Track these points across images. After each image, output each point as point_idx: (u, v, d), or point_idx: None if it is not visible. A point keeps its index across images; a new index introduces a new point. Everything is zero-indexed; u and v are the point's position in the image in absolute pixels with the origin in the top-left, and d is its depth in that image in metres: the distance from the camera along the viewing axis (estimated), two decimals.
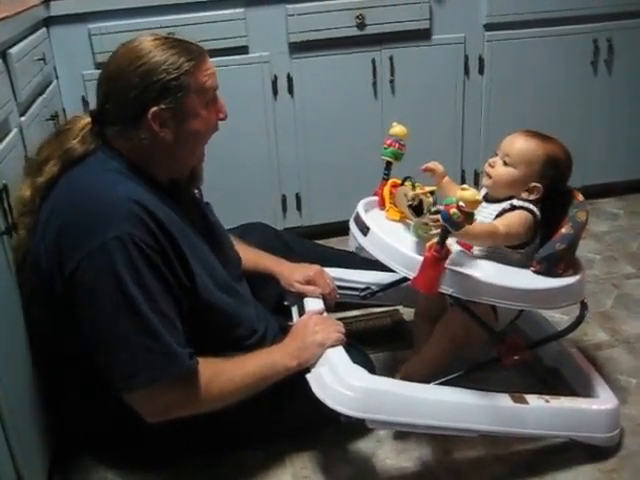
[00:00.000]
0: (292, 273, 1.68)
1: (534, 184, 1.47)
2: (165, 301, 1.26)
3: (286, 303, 1.70)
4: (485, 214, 1.48)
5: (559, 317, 1.88)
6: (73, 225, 1.24)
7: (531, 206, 1.46)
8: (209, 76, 1.35)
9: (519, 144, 1.48)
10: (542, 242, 1.48)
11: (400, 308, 2.00)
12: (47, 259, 1.27)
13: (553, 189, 1.50)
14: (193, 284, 1.32)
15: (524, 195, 1.48)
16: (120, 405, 1.29)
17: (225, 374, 1.31)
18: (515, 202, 1.47)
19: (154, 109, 1.28)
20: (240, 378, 1.33)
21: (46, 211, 1.31)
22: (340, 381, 1.32)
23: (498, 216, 1.47)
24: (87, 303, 1.24)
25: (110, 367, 1.25)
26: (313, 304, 1.62)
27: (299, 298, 1.66)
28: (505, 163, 1.48)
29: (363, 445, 1.52)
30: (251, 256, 1.68)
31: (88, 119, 1.37)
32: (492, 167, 1.50)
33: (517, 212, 1.46)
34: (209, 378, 1.30)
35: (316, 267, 1.71)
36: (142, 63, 1.28)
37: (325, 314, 1.58)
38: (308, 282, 1.68)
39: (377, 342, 1.87)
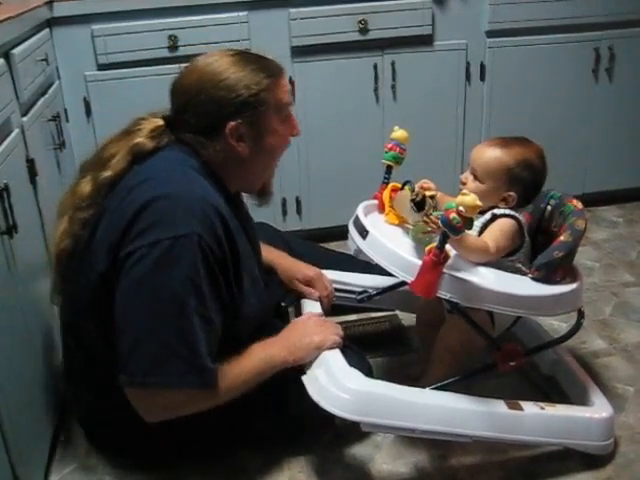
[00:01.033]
0: (293, 269, 1.69)
1: (507, 193, 1.47)
2: (214, 309, 1.27)
3: (283, 304, 1.70)
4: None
5: (557, 324, 1.89)
6: (148, 212, 1.23)
7: (512, 212, 1.47)
8: (286, 92, 1.40)
9: (483, 157, 1.48)
10: (539, 249, 1.48)
11: (399, 313, 2.01)
12: (104, 239, 1.27)
13: (533, 189, 1.50)
14: (240, 296, 1.34)
15: (501, 205, 1.48)
16: (123, 404, 1.29)
17: (228, 377, 1.31)
18: (496, 211, 1.48)
19: (232, 123, 1.32)
20: (241, 378, 1.33)
21: (115, 201, 1.30)
22: (335, 383, 1.33)
23: (483, 228, 1.47)
24: (133, 287, 1.23)
25: (130, 356, 1.23)
26: (311, 306, 1.62)
27: (296, 298, 1.66)
28: (475, 177, 1.49)
29: (360, 450, 1.52)
30: None
31: (158, 121, 1.38)
32: (464, 183, 1.50)
33: (500, 222, 1.46)
34: (220, 389, 1.29)
35: (316, 269, 1.72)
36: (223, 79, 1.32)
37: (323, 317, 1.58)
38: (307, 283, 1.68)
39: (376, 347, 1.87)
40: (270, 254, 1.72)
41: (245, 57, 1.37)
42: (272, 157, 1.44)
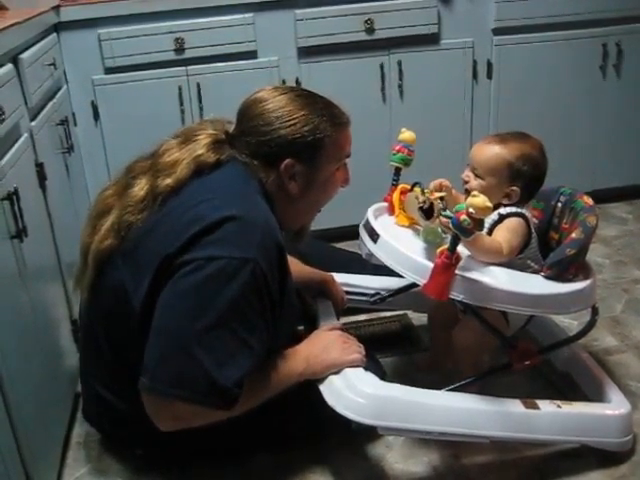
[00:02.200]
0: (306, 276, 1.68)
1: (510, 189, 1.47)
2: (256, 337, 1.26)
3: (300, 328, 1.68)
4: None
5: (568, 322, 1.88)
6: (214, 230, 1.24)
7: (518, 210, 1.47)
8: (347, 144, 1.43)
9: (482, 154, 1.48)
10: (551, 246, 1.48)
11: (409, 313, 2.00)
12: (159, 250, 1.26)
13: (535, 183, 1.49)
14: (276, 321, 1.34)
15: (505, 201, 1.48)
16: (139, 405, 1.29)
17: (248, 393, 1.29)
18: (502, 211, 1.47)
19: (289, 161, 1.35)
20: (260, 394, 1.33)
21: (177, 212, 1.30)
22: (351, 388, 1.32)
23: (491, 229, 1.46)
24: (179, 295, 1.22)
25: (158, 362, 1.23)
26: (325, 310, 1.61)
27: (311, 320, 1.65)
28: (476, 175, 1.48)
29: (372, 450, 1.52)
30: None
31: (218, 133, 1.40)
32: (467, 182, 1.50)
33: (509, 222, 1.45)
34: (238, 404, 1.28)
35: (328, 277, 1.71)
36: (294, 117, 1.35)
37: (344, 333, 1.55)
38: (320, 289, 1.68)
39: (386, 346, 1.86)
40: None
41: (317, 101, 1.41)
42: (318, 201, 1.46)
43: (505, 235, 1.43)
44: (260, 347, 1.27)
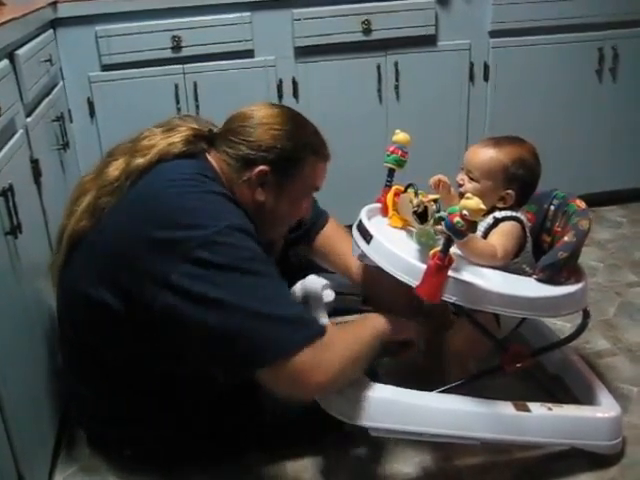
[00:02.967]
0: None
1: (505, 192, 1.48)
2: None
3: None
4: None
5: (561, 324, 1.88)
6: (177, 223, 1.22)
7: (514, 214, 1.47)
8: (321, 178, 1.46)
9: (477, 158, 1.49)
10: (543, 249, 1.48)
11: None
12: (131, 232, 1.25)
13: (529, 187, 1.50)
14: None
15: (500, 205, 1.48)
16: (123, 404, 1.29)
17: (338, 334, 1.29)
18: (497, 215, 1.47)
19: (263, 167, 1.36)
20: (358, 346, 1.32)
21: (138, 195, 1.30)
22: (343, 390, 1.32)
23: (486, 233, 1.46)
24: (214, 284, 1.19)
25: (249, 347, 1.19)
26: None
27: None
28: (470, 179, 1.49)
29: (363, 450, 1.52)
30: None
31: (197, 127, 1.41)
32: (461, 185, 1.50)
33: (504, 226, 1.46)
34: (335, 342, 1.27)
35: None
36: (281, 129, 1.38)
37: None
38: None
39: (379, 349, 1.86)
40: None
41: (307, 125, 1.44)
42: (277, 220, 1.45)
43: (500, 239, 1.43)
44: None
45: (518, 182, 1.48)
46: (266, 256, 1.26)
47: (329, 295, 1.71)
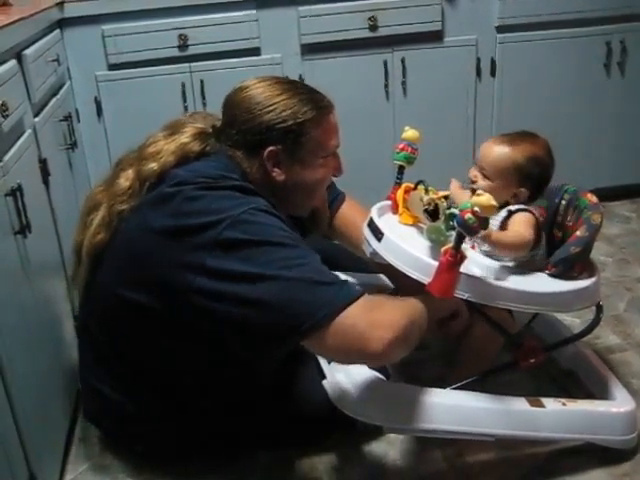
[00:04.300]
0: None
1: (518, 190, 1.46)
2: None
3: None
4: None
5: (570, 320, 1.87)
6: (204, 209, 1.23)
7: (527, 207, 1.46)
8: (332, 130, 1.42)
9: (491, 155, 1.47)
10: (555, 244, 1.47)
11: None
12: (163, 248, 1.24)
13: (543, 184, 1.49)
14: None
15: (512, 202, 1.47)
16: (140, 400, 1.28)
17: (394, 303, 1.27)
18: (511, 207, 1.46)
19: (271, 148, 1.34)
20: (409, 310, 1.28)
21: (157, 198, 1.29)
22: (357, 388, 1.32)
23: (501, 226, 1.45)
24: (249, 260, 1.19)
25: (294, 311, 1.18)
26: None
27: None
28: (484, 175, 1.48)
29: (373, 446, 1.51)
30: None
31: (202, 126, 1.40)
32: (474, 182, 1.49)
33: (520, 216, 1.44)
34: (384, 302, 1.26)
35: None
36: (272, 103, 1.34)
37: None
38: None
39: None
40: None
41: (297, 86, 1.40)
42: (309, 190, 1.44)
43: (520, 227, 1.42)
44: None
45: (531, 180, 1.46)
46: (294, 233, 1.27)
47: None
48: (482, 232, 1.27)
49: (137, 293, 1.29)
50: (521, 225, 1.43)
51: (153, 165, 1.33)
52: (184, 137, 1.37)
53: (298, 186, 1.40)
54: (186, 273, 1.21)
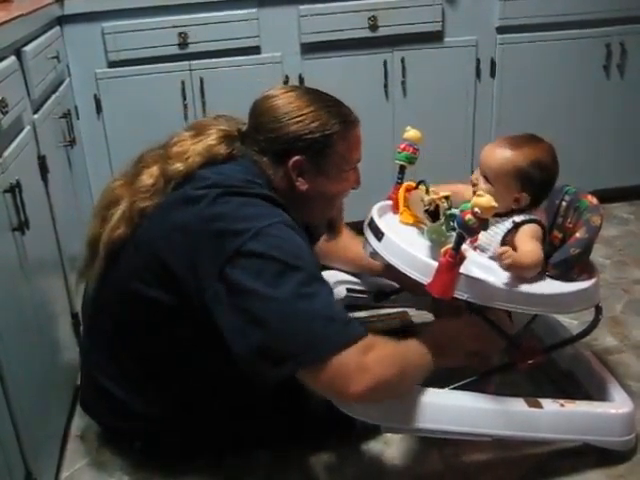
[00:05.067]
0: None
1: (520, 194, 1.45)
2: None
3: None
4: (489, 234, 1.45)
5: (569, 321, 1.87)
6: (231, 214, 1.24)
7: (533, 217, 1.45)
8: (357, 144, 1.44)
9: (493, 159, 1.45)
10: (555, 245, 1.47)
11: (409, 310, 2.00)
12: (187, 248, 1.25)
13: (546, 188, 1.49)
14: None
15: (513, 206, 1.46)
16: (137, 400, 1.28)
17: (391, 349, 1.26)
18: (516, 219, 1.44)
19: (297, 157, 1.35)
20: (392, 352, 1.27)
21: (185, 197, 1.29)
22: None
23: (505, 237, 1.44)
24: (263, 277, 1.19)
25: (288, 344, 1.19)
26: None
27: None
28: (486, 179, 1.46)
29: (370, 446, 1.52)
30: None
31: (227, 128, 1.41)
32: (475, 185, 1.48)
33: (529, 231, 1.43)
34: (381, 347, 1.24)
35: None
36: (302, 114, 1.36)
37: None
38: None
39: None
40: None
41: (324, 98, 1.42)
42: (328, 201, 1.46)
43: (532, 246, 1.40)
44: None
45: (533, 185, 1.45)
46: (312, 255, 1.27)
47: (341, 292, 1.71)
48: (505, 261, 1.31)
49: (155, 290, 1.30)
50: (533, 242, 1.41)
51: (179, 165, 1.33)
52: (211, 139, 1.38)
53: (319, 196, 1.42)
54: (204, 276, 1.22)
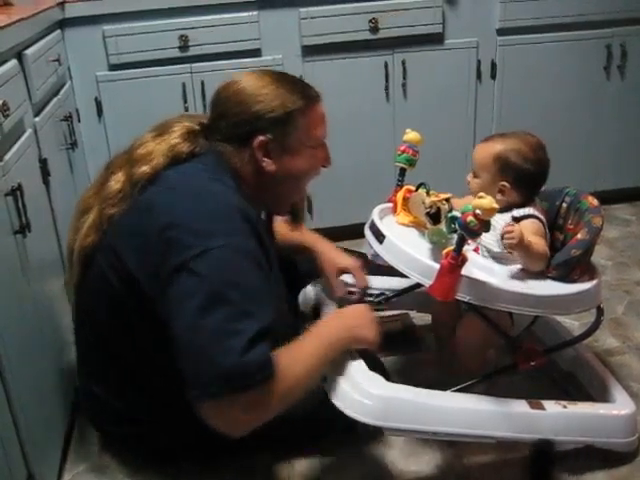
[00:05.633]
0: (335, 257, 1.67)
1: (501, 183, 1.47)
2: (265, 293, 1.24)
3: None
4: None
5: (570, 322, 1.88)
6: (185, 226, 1.23)
7: (531, 211, 1.46)
8: (320, 120, 1.42)
9: (477, 152, 1.52)
10: (556, 246, 1.47)
11: (410, 312, 2.00)
12: (143, 253, 1.25)
13: (527, 179, 1.49)
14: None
15: (499, 197, 1.47)
16: (137, 403, 1.27)
17: (291, 365, 1.24)
18: (515, 214, 1.46)
19: (261, 138, 1.34)
20: (301, 361, 1.27)
21: (147, 202, 1.30)
22: (358, 389, 1.31)
23: (503, 234, 1.44)
24: (194, 296, 1.18)
25: (189, 372, 1.19)
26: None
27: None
28: (474, 174, 1.51)
29: (372, 449, 1.51)
30: (283, 228, 1.66)
31: (192, 126, 1.40)
32: (468, 183, 1.52)
33: (531, 227, 1.44)
34: (282, 380, 1.22)
35: (357, 260, 1.69)
36: (261, 93, 1.35)
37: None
38: (344, 272, 1.68)
39: (387, 346, 1.85)
40: (309, 236, 1.71)
41: (284, 77, 1.41)
42: (298, 180, 1.44)
43: (538, 239, 1.41)
44: (264, 310, 1.22)
45: (511, 172, 1.47)
46: (259, 278, 1.24)
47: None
48: (511, 241, 1.31)
49: (122, 293, 1.30)
50: (537, 238, 1.42)
51: (145, 168, 1.33)
52: (173, 137, 1.37)
53: (288, 177, 1.39)
54: (154, 278, 1.23)
